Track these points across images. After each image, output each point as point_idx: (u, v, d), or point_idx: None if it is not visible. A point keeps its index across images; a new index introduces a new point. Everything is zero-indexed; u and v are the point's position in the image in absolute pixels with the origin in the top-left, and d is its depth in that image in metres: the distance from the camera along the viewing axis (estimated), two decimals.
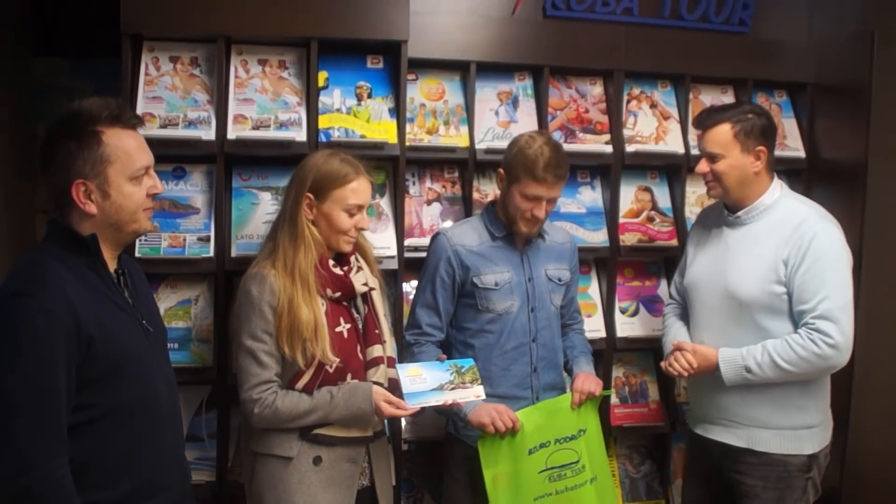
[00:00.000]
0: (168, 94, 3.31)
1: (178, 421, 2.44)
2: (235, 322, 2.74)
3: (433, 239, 3.21)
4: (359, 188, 2.75)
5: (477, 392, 2.87)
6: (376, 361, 2.81)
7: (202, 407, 3.35)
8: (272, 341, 2.65)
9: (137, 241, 3.13)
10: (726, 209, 3.14)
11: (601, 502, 3.17)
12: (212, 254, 3.26)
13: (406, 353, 3.18)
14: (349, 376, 2.74)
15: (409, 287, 3.58)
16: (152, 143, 3.19)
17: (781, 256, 2.94)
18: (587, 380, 3.14)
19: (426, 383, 2.78)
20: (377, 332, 2.85)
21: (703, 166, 3.06)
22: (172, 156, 3.26)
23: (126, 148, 2.16)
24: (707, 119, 3.07)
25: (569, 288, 3.30)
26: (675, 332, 3.25)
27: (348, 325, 2.77)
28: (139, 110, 3.22)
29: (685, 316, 3.30)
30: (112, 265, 2.24)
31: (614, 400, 3.81)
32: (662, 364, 3.15)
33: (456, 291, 3.15)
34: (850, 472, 3.79)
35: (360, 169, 2.77)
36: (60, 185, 2.10)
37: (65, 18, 3.33)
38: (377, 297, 2.92)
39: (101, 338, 2.07)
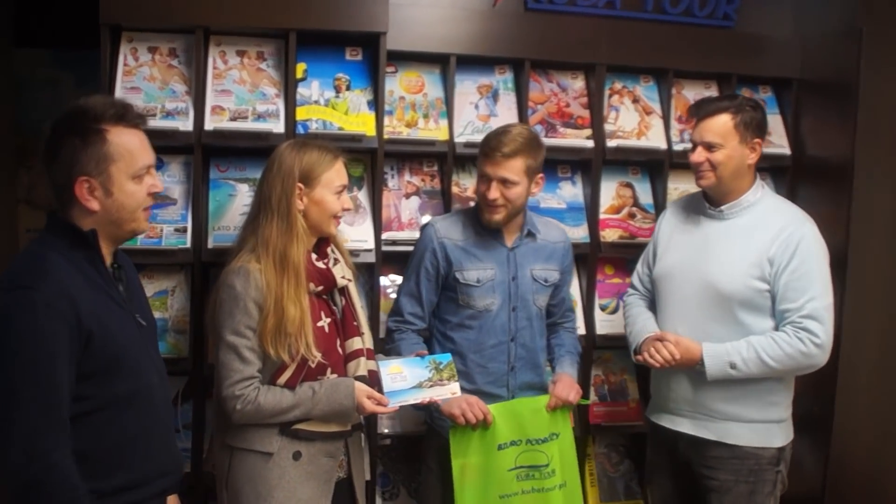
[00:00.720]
0: (146, 84, 3.30)
1: (171, 411, 2.49)
2: (215, 316, 2.70)
3: (422, 229, 3.23)
4: (341, 168, 2.79)
5: (453, 389, 2.87)
6: (356, 354, 2.80)
7: (178, 398, 3.33)
8: (255, 337, 2.63)
9: None
10: (707, 202, 3.14)
11: None
12: (188, 245, 3.25)
13: (388, 338, 3.21)
14: (329, 371, 2.73)
15: (388, 281, 3.59)
16: None
17: (767, 254, 2.97)
18: (567, 387, 3.12)
19: (406, 381, 2.79)
20: (355, 324, 2.84)
21: (699, 155, 3.05)
22: (153, 147, 3.23)
23: (130, 147, 2.18)
24: (706, 108, 3.08)
25: (559, 287, 3.28)
26: (645, 323, 3.23)
27: (329, 320, 2.77)
28: None
29: (651, 307, 3.30)
30: (108, 260, 2.26)
31: (592, 398, 3.79)
32: (639, 357, 3.13)
33: (440, 283, 3.16)
34: (833, 472, 3.76)
35: (336, 150, 2.81)
36: (63, 180, 2.12)
37: (47, 9, 3.35)
38: (353, 288, 2.91)
39: (100, 332, 2.10)
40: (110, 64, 3.26)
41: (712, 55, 3.85)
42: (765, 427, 3.03)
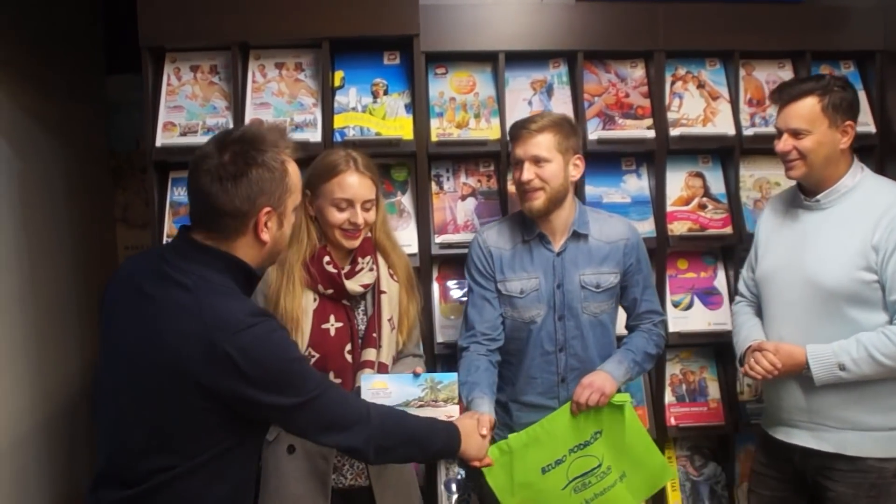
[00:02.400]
0: (188, 102, 3.40)
1: None
2: None
3: (473, 240, 3.15)
4: (345, 182, 2.72)
5: (449, 412, 2.68)
6: (365, 365, 2.75)
7: None
8: None
9: None
10: (802, 193, 2.90)
11: (639, 492, 2.99)
12: None
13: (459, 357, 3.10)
14: (332, 374, 2.72)
15: (452, 283, 3.57)
16: (173, 151, 3.32)
17: (871, 242, 2.70)
18: (586, 389, 2.88)
19: (390, 398, 2.63)
20: (374, 335, 2.79)
21: (786, 144, 2.80)
22: None
23: (298, 179, 2.17)
24: (789, 92, 2.82)
25: (627, 289, 3.09)
26: (749, 331, 2.98)
27: (340, 324, 2.75)
28: (161, 120, 3.35)
29: (759, 313, 3.04)
30: None
31: (670, 399, 3.61)
32: (742, 368, 2.92)
33: (496, 292, 3.04)
34: None
35: (357, 164, 2.74)
36: (245, 209, 2.03)
37: (134, 35, 3.54)
38: (385, 300, 2.85)
39: None
40: (154, 84, 3.37)
41: (783, 32, 3.60)
42: (888, 436, 2.74)
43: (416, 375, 2.70)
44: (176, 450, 2.02)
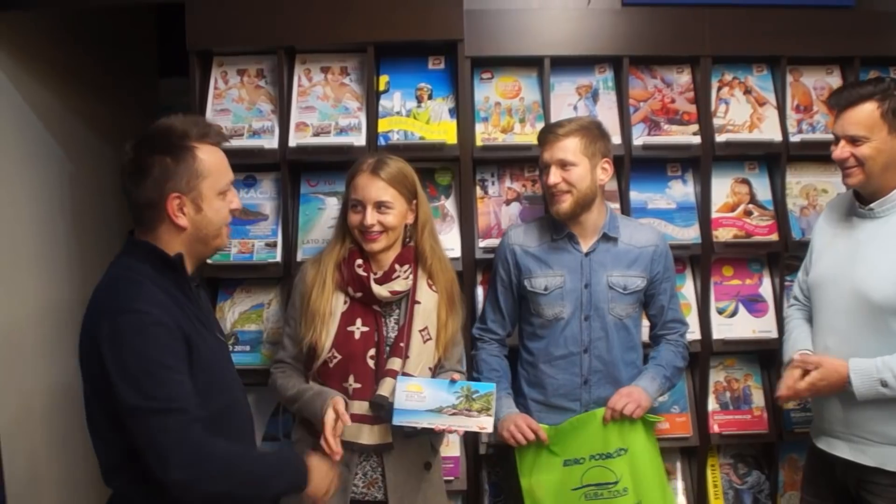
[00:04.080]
0: (234, 105, 3.45)
1: (252, 424, 2.50)
2: None
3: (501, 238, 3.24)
4: (357, 183, 2.79)
5: (482, 423, 2.70)
6: (388, 373, 2.75)
7: (279, 408, 3.42)
8: (295, 325, 2.84)
9: None
10: (858, 199, 2.81)
11: None
12: (279, 259, 3.35)
13: (472, 345, 3.24)
14: (352, 378, 2.76)
15: None
16: None
17: None
18: (623, 397, 2.92)
19: (424, 402, 2.67)
20: (402, 345, 2.80)
21: (842, 151, 2.71)
22: (243, 165, 3.33)
23: (216, 163, 2.22)
24: (846, 96, 2.73)
25: (655, 296, 3.12)
26: (796, 340, 2.93)
27: (366, 329, 2.79)
28: None
29: (811, 318, 2.97)
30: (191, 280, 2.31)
31: (714, 406, 3.57)
32: (777, 395, 2.87)
33: (514, 291, 3.12)
34: None
35: (374, 167, 2.78)
36: (154, 198, 2.12)
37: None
38: (419, 311, 2.85)
39: (196, 350, 2.16)
40: (201, 88, 3.43)
41: (832, 38, 3.54)
42: None
43: (453, 382, 2.72)
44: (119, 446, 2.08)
